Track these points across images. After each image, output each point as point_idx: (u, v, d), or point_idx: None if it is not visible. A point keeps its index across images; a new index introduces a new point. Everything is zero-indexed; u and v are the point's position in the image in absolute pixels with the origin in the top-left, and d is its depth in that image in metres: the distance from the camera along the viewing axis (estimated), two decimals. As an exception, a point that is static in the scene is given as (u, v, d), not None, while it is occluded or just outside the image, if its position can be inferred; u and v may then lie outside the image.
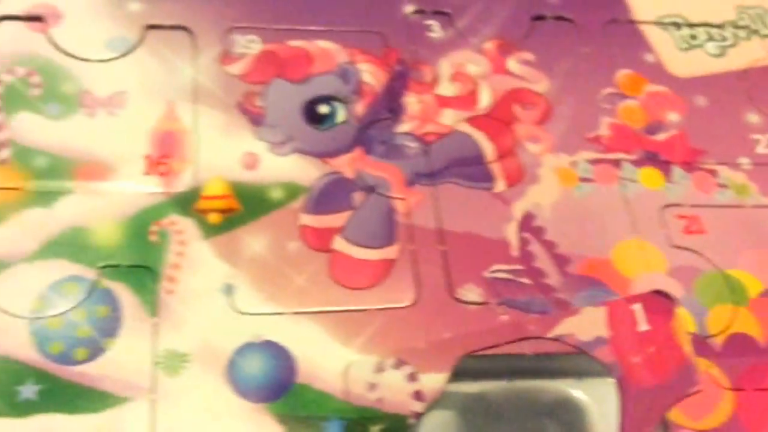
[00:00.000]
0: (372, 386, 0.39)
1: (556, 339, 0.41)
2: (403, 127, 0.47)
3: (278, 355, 0.39)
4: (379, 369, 0.39)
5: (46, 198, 0.42)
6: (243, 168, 0.45)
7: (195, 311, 0.40)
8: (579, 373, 0.41)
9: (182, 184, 0.44)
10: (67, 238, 0.41)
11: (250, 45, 0.49)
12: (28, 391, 0.37)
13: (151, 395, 0.38)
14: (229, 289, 0.41)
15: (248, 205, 0.44)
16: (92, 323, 0.39)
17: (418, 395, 0.39)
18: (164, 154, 0.44)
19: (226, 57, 0.48)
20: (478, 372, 0.41)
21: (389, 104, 0.48)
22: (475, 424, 0.41)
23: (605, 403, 0.41)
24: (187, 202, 0.43)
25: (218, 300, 0.41)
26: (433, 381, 0.39)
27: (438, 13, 0.52)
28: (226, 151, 0.45)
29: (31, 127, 0.44)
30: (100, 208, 0.42)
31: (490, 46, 0.51)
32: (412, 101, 0.48)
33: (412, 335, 0.40)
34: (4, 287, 0.39)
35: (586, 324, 0.41)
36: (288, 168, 0.45)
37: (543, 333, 0.41)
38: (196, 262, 0.42)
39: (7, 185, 0.42)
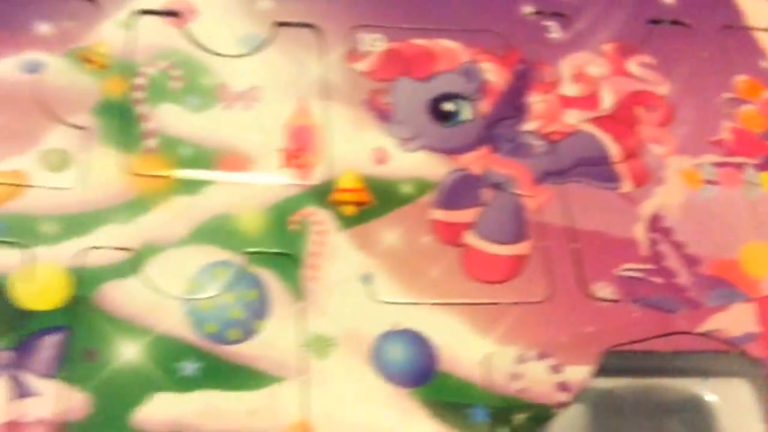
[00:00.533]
0: (514, 376, 0.44)
1: (704, 334, 0.45)
2: (528, 125, 0.52)
3: (419, 343, 0.44)
4: (521, 360, 0.44)
5: (192, 186, 0.47)
6: (374, 162, 0.50)
7: (337, 298, 0.45)
8: (710, 373, 0.46)
9: (317, 176, 0.49)
10: (214, 225, 0.46)
11: (375, 43, 0.54)
12: (188, 367, 0.42)
13: (302, 376, 0.43)
14: (367, 279, 0.46)
15: (380, 198, 0.48)
16: (243, 306, 0.44)
17: (563, 386, 0.44)
18: (299, 147, 0.49)
19: (353, 54, 0.53)
20: (607, 368, 0.45)
21: (513, 103, 0.53)
22: (603, 419, 0.45)
23: (737, 404, 0.45)
24: (323, 194, 0.48)
25: (358, 288, 0.45)
26: (578, 373, 0.44)
27: (556, 15, 0.57)
28: (357, 146, 0.50)
29: (175, 118, 0.49)
30: (243, 197, 0.47)
31: (608, 48, 0.56)
32: (535, 100, 0.53)
33: (548, 329, 0.45)
34: (158, 270, 0.44)
35: (736, 319, 0.46)
36: (417, 164, 0.50)
37: (691, 329, 0.45)
38: (335, 252, 0.47)
39: (156, 173, 0.47)
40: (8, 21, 0.49)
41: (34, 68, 0.48)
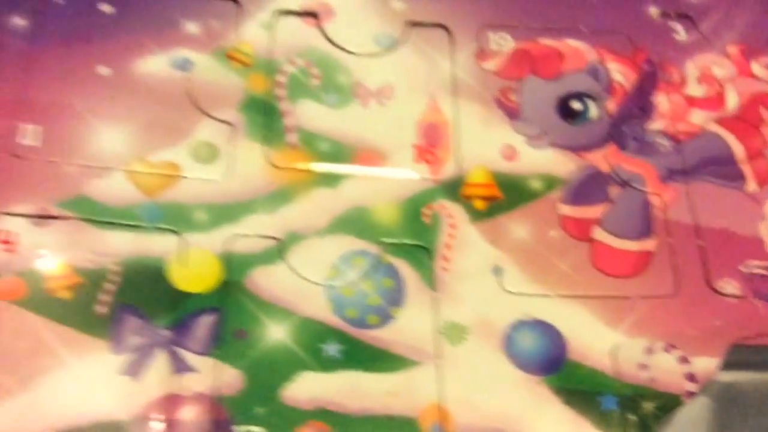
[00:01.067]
0: (643, 366, 0.45)
1: None
2: (655, 125, 0.53)
3: (549, 333, 0.46)
4: (649, 351, 0.45)
5: (330, 179, 0.49)
6: (503, 159, 0.51)
7: (469, 288, 0.47)
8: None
9: (448, 172, 0.50)
10: (352, 216, 0.48)
11: (503, 42, 0.55)
12: (332, 349, 0.44)
13: (437, 361, 0.44)
14: (498, 271, 0.47)
15: (509, 193, 0.50)
16: (380, 293, 0.46)
17: (691, 377, 0.44)
18: (430, 143, 0.51)
19: (482, 53, 0.54)
20: (732, 362, 0.46)
21: (640, 102, 0.54)
22: (726, 412, 0.46)
23: None
24: (453, 189, 0.50)
25: (489, 279, 0.47)
26: (705, 365, 0.45)
27: (681, 16, 0.57)
28: (486, 143, 0.52)
29: (314, 114, 0.51)
30: (378, 190, 0.49)
31: (733, 49, 0.56)
32: (662, 100, 0.54)
33: (675, 322, 0.46)
34: (301, 257, 0.47)
35: None
36: (545, 160, 0.51)
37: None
38: (466, 244, 0.48)
39: (297, 166, 0.49)
40: (158, 20, 0.52)
41: (184, 65, 0.51)
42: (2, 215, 0.44)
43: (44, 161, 0.46)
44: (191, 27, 0.52)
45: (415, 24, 0.55)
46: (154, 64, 0.51)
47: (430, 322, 0.45)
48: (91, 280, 0.43)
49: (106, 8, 0.51)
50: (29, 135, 0.46)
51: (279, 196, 0.48)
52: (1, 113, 0.46)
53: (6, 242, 0.43)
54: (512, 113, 0.52)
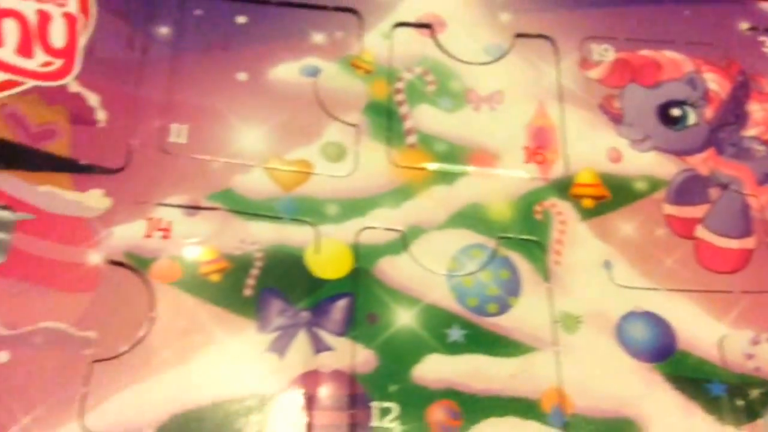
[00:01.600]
0: (749, 356, 0.48)
1: None
2: (750, 131, 0.56)
3: (659, 324, 0.49)
4: (755, 342, 0.48)
5: (448, 178, 0.53)
6: (609, 161, 0.54)
7: (580, 281, 0.50)
8: None
9: (556, 172, 0.54)
10: (469, 212, 0.52)
11: (604, 53, 0.58)
12: (456, 334, 0.48)
13: (554, 347, 0.48)
14: (608, 265, 0.50)
15: (616, 193, 0.53)
16: (498, 284, 0.49)
17: (796, 365, 0.47)
18: (539, 146, 0.55)
19: (585, 63, 0.58)
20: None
21: (735, 111, 0.57)
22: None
23: None
24: (563, 188, 0.53)
25: (599, 273, 0.50)
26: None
27: (771, 30, 0.60)
28: (592, 146, 0.55)
29: (431, 118, 0.55)
30: (492, 188, 0.53)
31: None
32: (755, 109, 0.57)
33: (778, 315, 0.49)
34: (423, 249, 0.50)
35: None
36: (648, 163, 0.54)
37: None
38: (576, 240, 0.51)
39: (417, 165, 0.53)
40: (288, 31, 0.57)
41: (313, 72, 0.55)
42: (158, 206, 0.48)
43: (191, 158, 0.50)
44: (318, 37, 0.56)
45: (522, 35, 0.58)
46: (286, 71, 0.55)
47: (546, 312, 0.48)
48: (238, 265, 0.47)
49: (241, 19, 0.55)
50: (177, 134, 0.50)
51: (401, 193, 0.52)
52: (152, 114, 0.51)
53: (162, 230, 0.47)
54: (616, 118, 0.55)
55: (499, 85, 0.56)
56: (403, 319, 0.47)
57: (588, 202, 0.52)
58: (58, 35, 0.52)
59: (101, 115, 0.50)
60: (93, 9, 0.53)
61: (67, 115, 0.49)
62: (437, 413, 0.45)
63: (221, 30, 0.55)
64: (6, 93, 0.49)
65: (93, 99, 0.50)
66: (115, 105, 0.50)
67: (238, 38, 0.55)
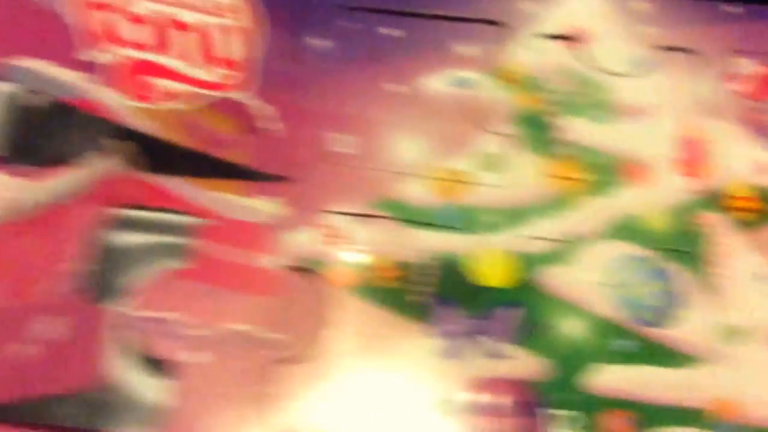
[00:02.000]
0: None
1: None
2: None
3: (823, 336, 0.49)
4: None
5: (603, 188, 0.53)
6: (759, 173, 0.54)
7: (741, 293, 0.50)
8: None
9: (709, 184, 0.54)
10: (626, 223, 0.52)
11: (750, 67, 0.59)
12: (624, 344, 0.48)
13: (718, 359, 0.48)
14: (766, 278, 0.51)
15: (769, 206, 0.53)
16: (660, 295, 0.50)
17: None
18: (690, 158, 0.55)
19: (730, 77, 0.58)
20: None
21: None
22: None
23: None
24: (716, 201, 0.53)
25: (760, 285, 0.50)
26: None
27: None
28: (742, 158, 0.55)
29: (582, 129, 0.56)
30: (646, 200, 0.53)
31: None
32: None
33: None
34: (584, 260, 0.51)
35: None
36: (800, 177, 0.54)
37: None
38: (734, 252, 0.52)
39: (572, 176, 0.54)
40: (433, 44, 0.58)
41: (464, 84, 0.56)
42: (328, 213, 0.49)
43: (357, 167, 0.51)
44: (467, 49, 0.57)
45: (667, 48, 0.58)
46: (435, 83, 0.56)
47: (710, 323, 0.49)
48: (409, 273, 0.48)
49: (391, 31, 0.57)
50: (344, 143, 0.52)
51: (557, 203, 0.52)
52: (315, 124, 0.52)
53: (334, 236, 0.49)
54: (765, 132, 0.56)
55: (647, 96, 0.57)
56: (573, 328, 0.48)
57: (743, 215, 0.52)
58: (234, 49, 0.53)
59: (274, 126, 0.51)
60: (263, 23, 0.55)
61: (242, 125, 0.51)
62: (610, 421, 0.45)
63: (373, 42, 0.56)
64: (186, 104, 0.51)
65: (267, 110, 0.51)
66: (287, 116, 0.52)
67: (388, 50, 0.56)
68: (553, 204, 0.52)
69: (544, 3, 0.58)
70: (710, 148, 0.55)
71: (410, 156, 0.52)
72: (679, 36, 0.58)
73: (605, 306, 0.49)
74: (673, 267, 0.50)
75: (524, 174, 0.53)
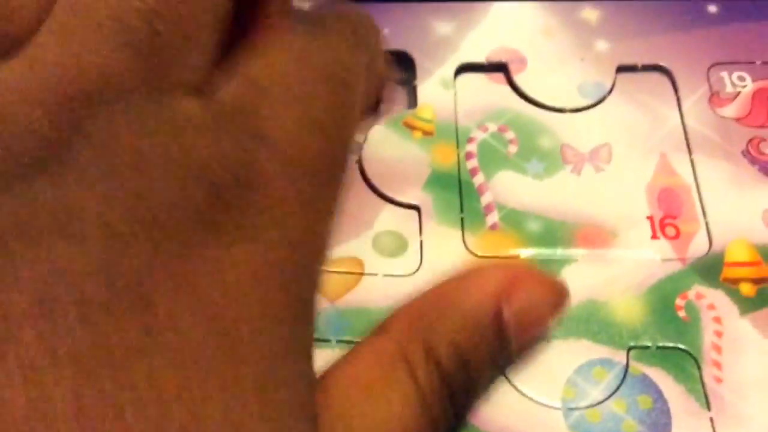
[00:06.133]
0: None
1: None
2: None
3: None
4: None
5: (548, 267, 0.38)
6: (766, 227, 0.39)
7: (755, 404, 0.35)
8: None
9: (697, 249, 0.39)
10: (583, 313, 0.37)
11: (740, 83, 0.44)
12: (585, 500, 0.33)
13: None
14: (789, 377, 0.35)
15: (785, 272, 0.38)
16: (637, 417, 0.35)
17: None
18: (668, 214, 0.40)
19: (716, 98, 0.43)
20: None
21: None
22: None
23: None
24: (709, 271, 0.38)
25: (781, 391, 0.35)
26: None
27: None
28: (742, 208, 0.40)
29: (516, 188, 0.41)
30: (612, 278, 0.38)
31: None
32: None
33: None
34: (527, 373, 0.36)
35: None
36: (823, 226, 0.39)
37: None
38: (740, 343, 0.37)
39: (502, 254, 0.39)
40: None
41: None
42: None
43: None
44: (358, 94, 0.43)
45: (627, 68, 0.44)
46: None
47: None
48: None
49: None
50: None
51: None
52: None
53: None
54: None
55: (605, 136, 0.43)
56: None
57: (747, 288, 0.38)
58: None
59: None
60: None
61: None
62: None
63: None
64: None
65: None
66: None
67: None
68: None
69: (464, 22, 0.44)
70: (697, 197, 0.40)
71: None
72: (641, 50, 0.44)
73: (559, 443, 0.33)
74: (655, 373, 0.35)
75: (439, 257, 0.39)
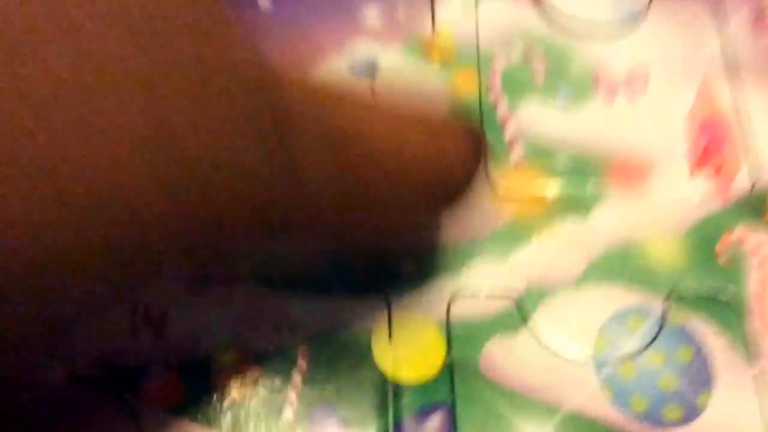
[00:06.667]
0: None
1: None
2: None
3: None
4: None
5: (578, 206, 0.35)
6: (819, 162, 0.36)
7: (805, 357, 0.31)
8: None
9: (741, 186, 0.36)
10: (616, 257, 0.34)
11: (789, 3, 0.40)
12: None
13: (778, 472, 0.29)
14: (844, 327, 0.32)
15: (838, 212, 0.34)
16: (676, 370, 0.32)
17: None
18: (710, 147, 0.36)
19: (761, 20, 0.39)
20: None
21: None
22: None
23: None
24: (755, 208, 0.35)
25: (834, 342, 0.32)
26: None
27: None
28: (791, 141, 0.36)
29: (543, 120, 0.37)
30: (647, 218, 0.35)
31: None
32: None
33: None
34: (552, 324, 0.33)
35: None
36: None
37: None
38: (789, 291, 0.33)
39: (528, 189, 0.35)
40: (329, 13, 0.40)
41: (367, 68, 0.38)
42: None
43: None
44: (372, 15, 0.39)
45: (665, -11, 0.40)
46: (333, 70, 0.38)
47: (757, 412, 0.30)
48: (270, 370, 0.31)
49: (262, 2, 0.39)
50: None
51: (509, 236, 0.34)
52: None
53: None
54: (820, 97, 0.37)
55: (640, 62, 0.39)
56: (532, 439, 0.30)
57: (799, 229, 0.34)
58: None
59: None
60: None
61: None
62: None
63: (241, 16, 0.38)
64: None
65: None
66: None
67: (265, 27, 0.38)
68: (504, 238, 0.34)
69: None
70: (740, 130, 0.36)
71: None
72: (681, -31, 0.40)
73: (588, 396, 0.30)
74: (695, 322, 0.32)
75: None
